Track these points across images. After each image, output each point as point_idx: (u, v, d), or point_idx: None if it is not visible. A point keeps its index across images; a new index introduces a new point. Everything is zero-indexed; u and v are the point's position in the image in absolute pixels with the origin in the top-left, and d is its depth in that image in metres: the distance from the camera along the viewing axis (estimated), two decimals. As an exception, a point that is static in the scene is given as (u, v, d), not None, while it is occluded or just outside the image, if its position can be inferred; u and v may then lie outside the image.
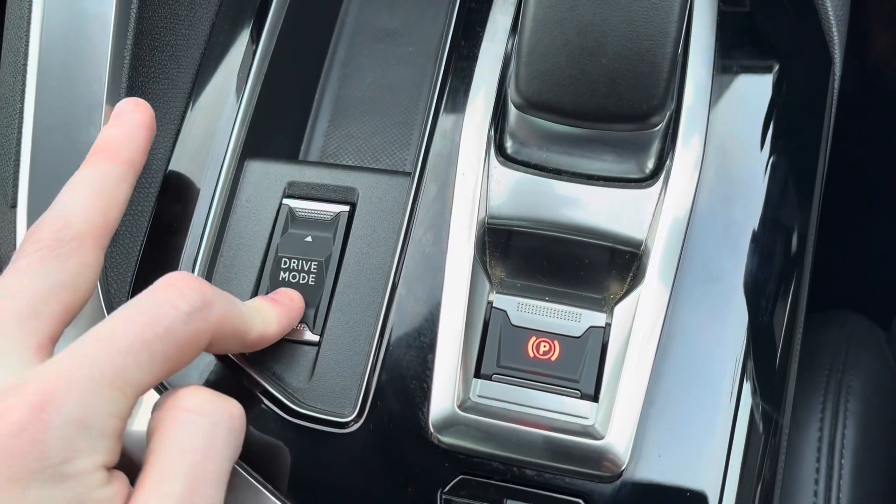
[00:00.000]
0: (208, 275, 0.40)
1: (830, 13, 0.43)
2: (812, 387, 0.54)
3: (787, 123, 0.40)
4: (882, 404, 0.54)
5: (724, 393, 0.35)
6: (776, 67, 0.41)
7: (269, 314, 0.36)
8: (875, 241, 0.76)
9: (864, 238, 0.76)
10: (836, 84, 0.43)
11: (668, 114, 0.38)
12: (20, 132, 0.40)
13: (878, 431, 0.53)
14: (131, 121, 0.37)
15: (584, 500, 0.34)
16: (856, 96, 0.67)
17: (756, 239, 0.38)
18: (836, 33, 0.42)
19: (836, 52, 0.43)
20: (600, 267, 0.37)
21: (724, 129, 0.39)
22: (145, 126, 0.37)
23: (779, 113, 0.40)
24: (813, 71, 0.42)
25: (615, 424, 0.34)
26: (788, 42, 0.42)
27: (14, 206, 0.40)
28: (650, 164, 0.38)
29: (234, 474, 0.35)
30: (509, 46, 0.40)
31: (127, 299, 0.39)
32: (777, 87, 0.40)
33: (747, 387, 0.36)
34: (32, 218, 0.39)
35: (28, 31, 0.41)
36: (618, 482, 0.34)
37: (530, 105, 0.36)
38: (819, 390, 0.53)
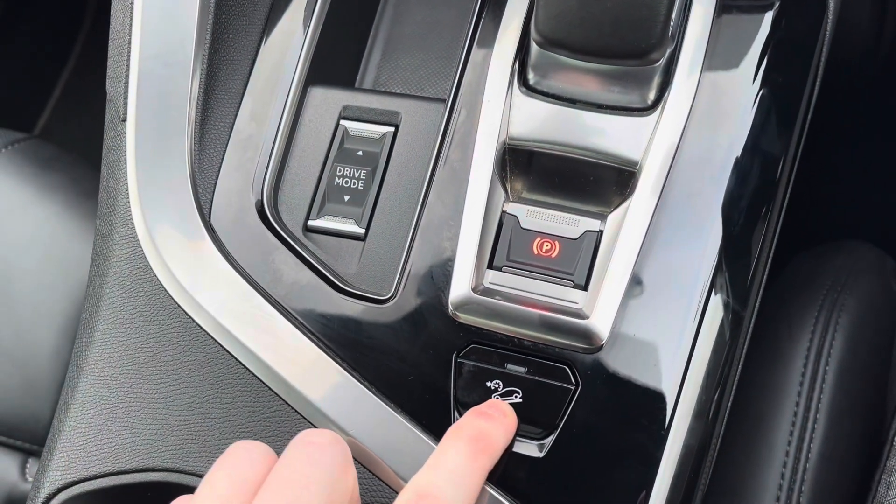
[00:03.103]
0: (278, 180, 0.48)
1: None
2: (809, 304, 0.59)
3: (779, 59, 0.45)
4: (872, 320, 0.58)
5: (695, 292, 0.42)
6: (776, 6, 0.46)
7: None
8: (891, 175, 0.78)
9: (881, 172, 0.79)
10: (830, 25, 0.48)
11: (667, 51, 0.43)
12: (129, 58, 0.49)
13: (865, 343, 0.57)
14: None
15: (568, 366, 0.42)
16: None
17: (737, 162, 0.44)
18: None
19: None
20: (602, 183, 0.44)
21: (722, 64, 0.45)
22: None
23: (774, 49, 0.45)
24: (808, 12, 0.47)
25: (599, 309, 0.41)
26: None
27: (124, 120, 0.49)
28: (651, 96, 0.44)
29: (291, 334, 0.44)
30: None
31: (212, 199, 0.48)
32: (775, 24, 0.45)
33: (716, 288, 0.42)
34: (140, 129, 0.48)
35: None
36: (597, 354, 0.42)
37: (547, 42, 0.43)
38: (815, 306, 0.58)
